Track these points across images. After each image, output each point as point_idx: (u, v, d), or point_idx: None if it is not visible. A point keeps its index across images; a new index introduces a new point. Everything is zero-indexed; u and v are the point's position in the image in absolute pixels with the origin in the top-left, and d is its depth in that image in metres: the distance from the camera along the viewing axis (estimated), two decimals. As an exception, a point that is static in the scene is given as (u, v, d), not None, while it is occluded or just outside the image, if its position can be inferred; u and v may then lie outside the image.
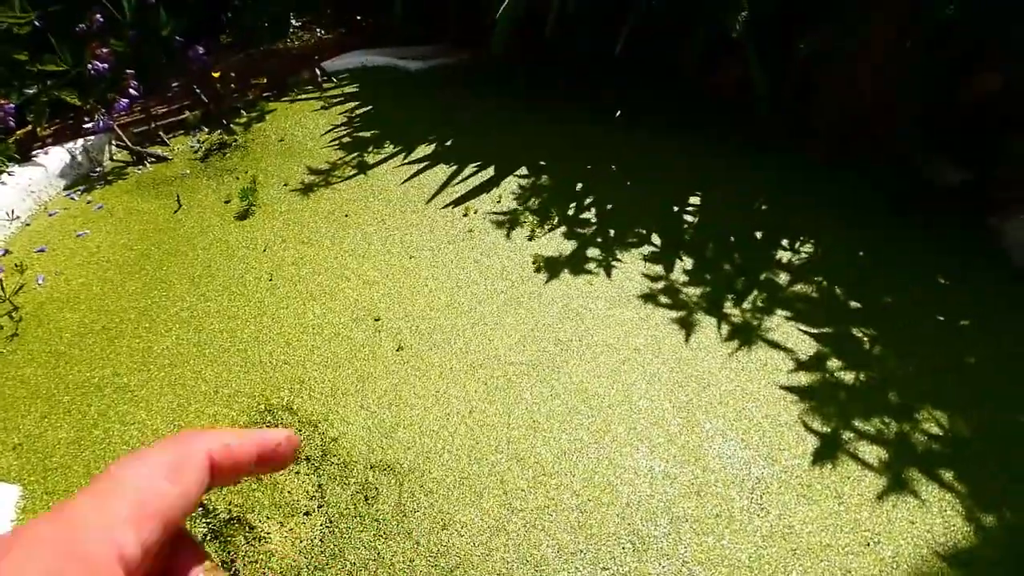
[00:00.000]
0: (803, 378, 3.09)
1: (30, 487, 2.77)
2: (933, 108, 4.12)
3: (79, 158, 4.89)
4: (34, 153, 4.73)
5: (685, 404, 2.99)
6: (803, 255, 3.83)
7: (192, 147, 5.27)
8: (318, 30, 7.00)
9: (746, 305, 3.51)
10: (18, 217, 4.36)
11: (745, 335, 3.33)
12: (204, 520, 2.60)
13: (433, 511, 2.60)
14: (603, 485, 2.67)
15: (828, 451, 2.77)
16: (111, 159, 5.16)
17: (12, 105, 4.52)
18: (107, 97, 4.97)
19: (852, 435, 2.83)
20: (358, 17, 6.94)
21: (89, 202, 4.67)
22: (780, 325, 3.38)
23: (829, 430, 2.86)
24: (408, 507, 2.62)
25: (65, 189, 4.81)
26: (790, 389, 3.04)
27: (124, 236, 4.30)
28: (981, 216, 3.98)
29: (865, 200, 4.21)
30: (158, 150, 5.17)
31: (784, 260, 3.80)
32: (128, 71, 4.99)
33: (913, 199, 4.13)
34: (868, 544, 2.45)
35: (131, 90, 5.03)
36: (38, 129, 4.84)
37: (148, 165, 5.05)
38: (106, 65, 4.87)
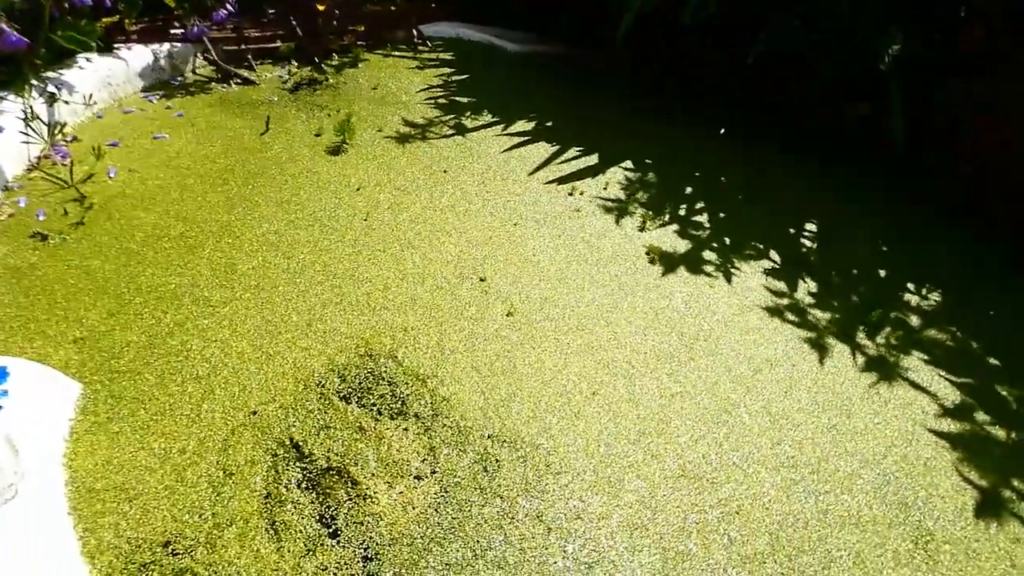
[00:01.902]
0: (952, 425, 2.83)
1: (93, 387, 2.40)
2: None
3: (162, 62, 4.56)
4: (117, 46, 4.39)
5: (829, 428, 2.70)
6: (931, 301, 3.60)
7: (280, 77, 4.97)
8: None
9: (879, 340, 3.25)
10: (95, 103, 4.00)
11: (884, 370, 3.06)
12: (298, 464, 2.24)
13: (565, 495, 2.27)
14: (751, 499, 2.36)
15: (991, 508, 2.50)
16: (194, 72, 4.84)
17: (110, -12, 4.19)
18: (205, 4, 4.65)
19: (1013, 495, 2.56)
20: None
21: (168, 108, 4.33)
22: (918, 367, 3.12)
23: (988, 485, 2.58)
24: (535, 487, 2.29)
25: (143, 91, 4.47)
26: (940, 434, 2.77)
27: (206, 147, 3.96)
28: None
29: (991, 254, 4.00)
30: (244, 73, 4.84)
31: (912, 303, 3.56)
32: (231, -18, 4.70)
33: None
34: (1049, 616, 2.16)
35: (228, 5, 4.72)
36: (126, 21, 4.51)
37: (233, 85, 4.73)
38: (211, -30, 4.58)
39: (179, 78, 4.69)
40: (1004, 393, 3.05)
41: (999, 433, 2.82)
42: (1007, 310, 3.58)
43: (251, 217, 3.42)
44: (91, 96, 3.96)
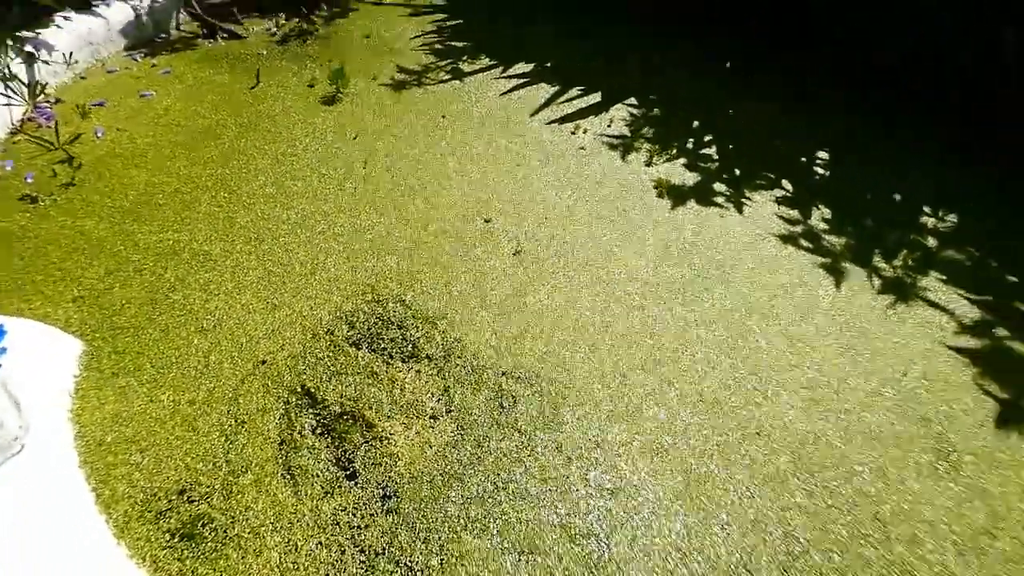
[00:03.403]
0: (970, 342, 2.77)
1: (95, 344, 2.36)
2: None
3: (144, 19, 4.39)
4: (95, 3, 4.22)
5: (847, 349, 2.65)
6: (948, 223, 3.50)
7: (268, 30, 4.80)
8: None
9: (896, 262, 3.17)
10: (76, 62, 3.87)
11: (901, 291, 2.99)
12: (312, 410, 2.21)
13: (583, 426, 2.24)
14: (772, 421, 2.33)
15: (1014, 419, 2.46)
16: (178, 28, 4.67)
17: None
18: (182, -44, 4.46)
19: (1036, 406, 2.52)
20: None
21: (154, 65, 4.19)
22: (935, 286, 3.05)
23: (1009, 397, 2.54)
24: (553, 420, 2.25)
25: (126, 49, 4.33)
26: (959, 351, 2.72)
27: (196, 104, 3.84)
28: None
29: (1008, 176, 3.87)
30: (230, 27, 4.67)
31: (929, 225, 3.47)
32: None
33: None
34: (1076, 521, 2.14)
35: (207, -45, 4.52)
36: (103, -22, 4.32)
37: (220, 40, 4.57)
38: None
39: (163, 35, 4.53)
40: (1023, 308, 2.98)
41: (1019, 347, 2.77)
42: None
43: (247, 170, 3.33)
44: (71, 55, 3.83)
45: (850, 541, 1.99)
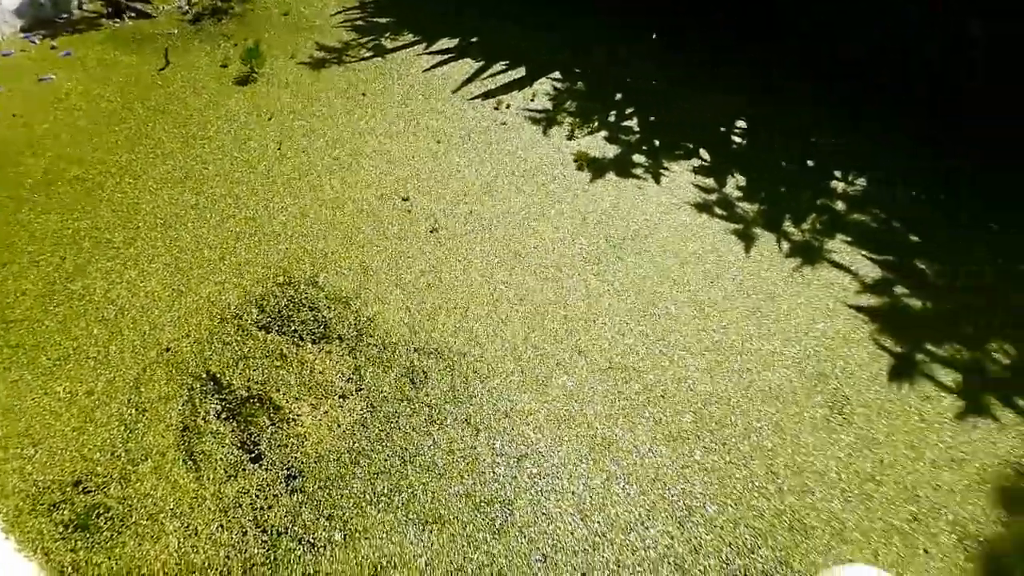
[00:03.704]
0: (871, 300, 2.91)
1: (-11, 339, 2.27)
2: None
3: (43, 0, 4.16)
4: (-14, -17, 3.98)
5: (752, 311, 2.75)
6: (857, 187, 3.63)
7: (180, 8, 4.61)
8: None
9: (805, 226, 3.29)
10: (-32, 47, 3.66)
11: (808, 254, 3.11)
12: (216, 396, 2.18)
13: (492, 398, 2.28)
14: (676, 383, 2.40)
15: (904, 371, 2.60)
16: (81, 7, 4.44)
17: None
18: (80, -70, 4.23)
19: (926, 358, 2.67)
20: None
21: (54, 48, 3.99)
22: (841, 248, 3.17)
23: (903, 351, 2.68)
24: (463, 393, 2.28)
25: (23, 31, 4.10)
26: (859, 309, 2.85)
27: (99, 87, 3.68)
28: None
29: (914, 138, 4.03)
30: (138, 5, 4.47)
31: (839, 189, 3.60)
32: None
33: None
34: (954, 460, 2.29)
35: (109, -71, 4.31)
36: (-7, -45, 4.07)
37: (127, 19, 4.37)
38: None
39: (64, 15, 4.31)
40: (922, 266, 3.13)
41: (915, 303, 2.92)
42: (930, 189, 3.63)
43: (154, 155, 3.22)
44: (-39, 38, 3.61)
45: (744, 494, 2.09)
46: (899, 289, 2.97)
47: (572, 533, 1.92)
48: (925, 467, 2.26)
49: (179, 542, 1.79)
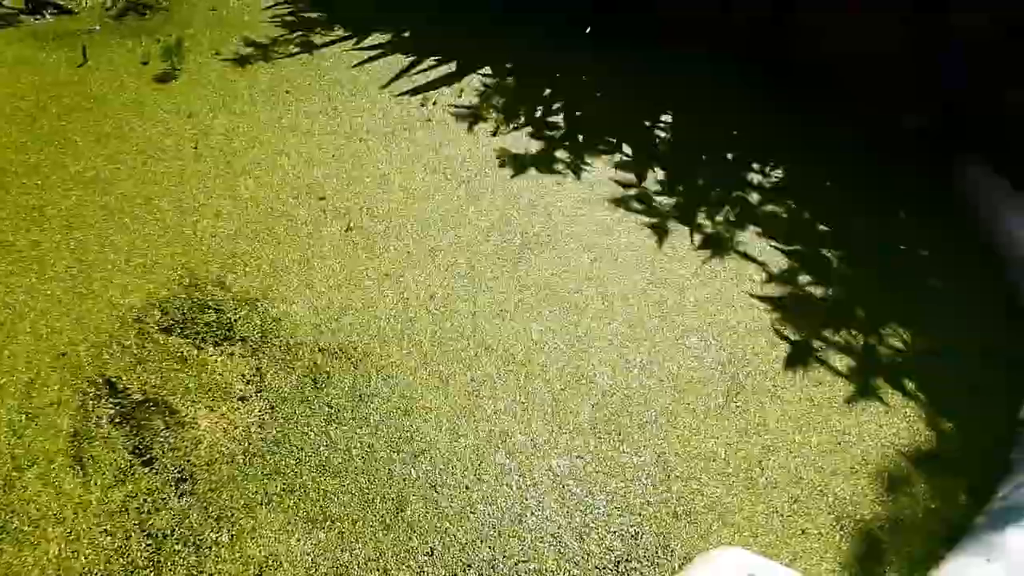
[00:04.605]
0: (775, 289, 3.01)
1: None
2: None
3: (-47, -7, 4.03)
4: None
5: (659, 304, 2.83)
6: (773, 179, 3.74)
7: (103, 3, 4.50)
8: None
9: (719, 218, 3.38)
10: None
11: (718, 246, 3.21)
12: (111, 400, 2.18)
13: (394, 396, 2.31)
14: (577, 376, 2.47)
15: (800, 357, 2.71)
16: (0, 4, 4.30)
17: None
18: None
19: (822, 344, 2.78)
20: None
21: (-35, 44, 3.87)
22: (752, 240, 3.28)
23: (800, 338, 2.79)
24: (364, 392, 2.31)
25: (-67, 27, 3.97)
26: (763, 299, 2.95)
27: (12, 85, 3.59)
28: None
29: (834, 137, 4.15)
30: (60, 1, 4.36)
31: (755, 181, 3.70)
32: None
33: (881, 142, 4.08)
34: (839, 443, 2.41)
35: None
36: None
37: (48, 16, 4.27)
38: None
39: (-22, 11, 4.18)
40: (828, 255, 3.25)
41: (817, 291, 3.03)
42: (843, 180, 3.75)
43: (64, 155, 3.17)
44: None
45: (633, 482, 2.16)
46: (803, 278, 3.08)
47: (461, 527, 1.98)
48: (811, 451, 2.37)
49: (60, 548, 1.79)
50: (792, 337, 2.78)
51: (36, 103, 3.49)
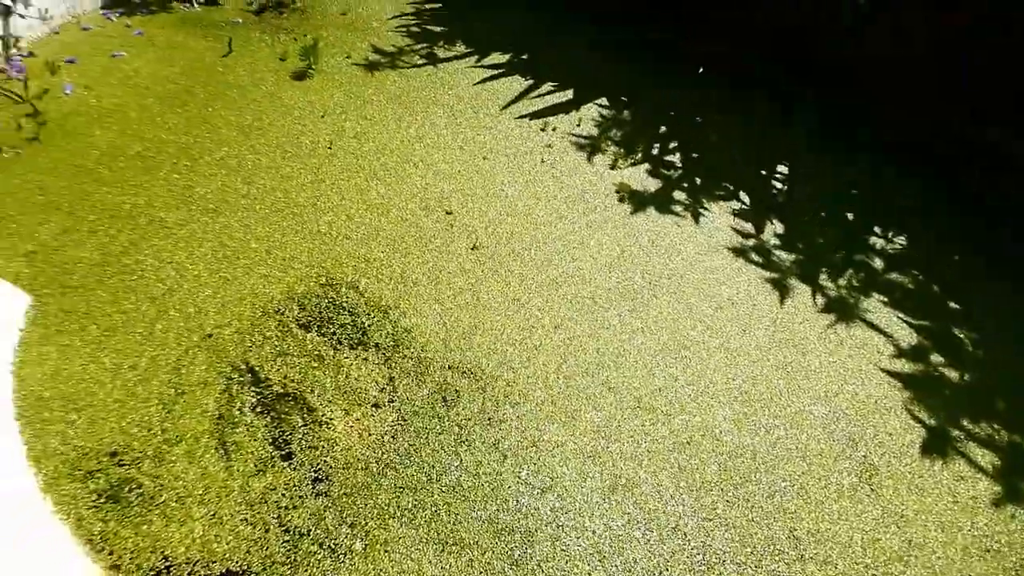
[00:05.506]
0: (906, 366, 2.88)
1: (44, 300, 2.36)
2: None
3: (120, -24, 4.28)
4: (71, -43, 4.10)
5: (784, 365, 2.74)
6: (896, 245, 3.61)
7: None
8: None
9: (841, 281, 3.28)
10: (51, 17, 3.78)
11: (842, 311, 3.10)
12: (254, 388, 2.22)
13: (521, 426, 2.29)
14: (702, 430, 2.40)
15: (938, 446, 2.57)
16: (155, -13, 4.55)
17: None
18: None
19: (961, 435, 2.64)
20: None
21: (128, 26, 4.10)
22: (878, 309, 3.15)
23: (936, 424, 2.65)
24: (493, 417, 2.30)
25: (103, 8, 4.23)
26: (893, 374, 2.82)
27: (166, 68, 3.77)
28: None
29: (959, 201, 3.99)
30: (207, -9, 4.58)
31: (878, 246, 3.58)
32: None
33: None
34: (987, 550, 2.25)
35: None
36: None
37: (196, 5, 4.49)
38: None
39: (138, -6, 4.43)
40: (961, 335, 3.10)
41: (952, 374, 2.89)
42: (975, 257, 3.59)
43: (210, 140, 3.29)
44: (47, 11, 3.74)
45: (764, 556, 2.07)
46: (935, 357, 2.94)
47: (589, 574, 1.92)
48: (956, 553, 2.22)
49: (203, 529, 1.82)
50: (928, 422, 2.65)
51: (185, 87, 3.65)
